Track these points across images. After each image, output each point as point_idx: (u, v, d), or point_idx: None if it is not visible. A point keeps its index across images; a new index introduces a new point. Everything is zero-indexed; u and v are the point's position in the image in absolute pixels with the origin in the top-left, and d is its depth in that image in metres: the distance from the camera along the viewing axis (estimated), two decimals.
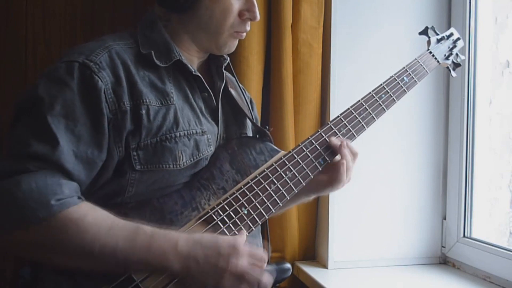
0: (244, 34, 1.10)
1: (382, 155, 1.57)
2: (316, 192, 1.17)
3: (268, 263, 1.07)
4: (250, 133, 1.16)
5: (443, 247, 1.69)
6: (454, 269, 1.62)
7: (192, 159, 0.99)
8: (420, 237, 1.69)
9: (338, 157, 1.11)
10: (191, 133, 0.99)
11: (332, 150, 1.10)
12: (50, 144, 0.86)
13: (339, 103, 1.58)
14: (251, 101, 1.29)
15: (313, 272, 1.57)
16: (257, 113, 1.33)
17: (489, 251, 1.48)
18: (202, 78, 1.06)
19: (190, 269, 0.87)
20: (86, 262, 0.86)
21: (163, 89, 0.99)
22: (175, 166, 0.96)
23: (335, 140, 1.10)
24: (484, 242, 1.54)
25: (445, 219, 1.69)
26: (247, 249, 0.91)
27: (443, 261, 1.69)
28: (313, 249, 1.70)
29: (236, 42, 1.11)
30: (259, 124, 1.28)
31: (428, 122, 1.69)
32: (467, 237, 1.62)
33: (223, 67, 1.13)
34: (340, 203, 1.61)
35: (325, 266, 1.62)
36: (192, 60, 1.09)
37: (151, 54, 1.00)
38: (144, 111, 0.94)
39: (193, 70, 1.05)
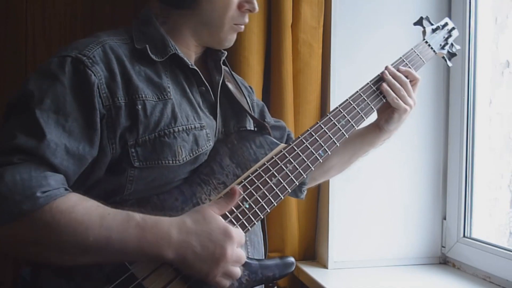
0: (243, 26, 1.09)
1: (382, 155, 1.56)
2: (386, 129, 1.23)
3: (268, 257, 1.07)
4: (250, 126, 1.15)
5: (443, 247, 1.69)
6: (454, 269, 1.62)
7: (191, 155, 0.97)
8: (420, 237, 1.69)
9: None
10: (190, 128, 0.98)
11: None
12: (37, 137, 0.83)
13: (339, 103, 1.58)
14: (250, 88, 1.29)
15: (313, 272, 1.56)
16: (257, 98, 1.32)
17: (489, 251, 1.48)
18: (199, 71, 1.05)
19: (186, 258, 0.86)
20: (81, 256, 0.83)
21: (159, 84, 0.97)
22: (174, 161, 0.95)
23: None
24: (484, 242, 1.53)
25: (445, 219, 1.69)
26: (239, 234, 0.90)
27: (443, 261, 1.69)
28: (313, 249, 1.69)
29: (235, 36, 1.10)
30: (266, 111, 1.29)
31: (428, 122, 1.69)
32: (467, 237, 1.62)
33: (222, 61, 1.12)
34: (340, 203, 1.61)
35: (325, 266, 1.62)
36: (190, 54, 1.08)
37: (146, 48, 0.99)
38: (140, 107, 0.92)
39: (189, 63, 1.03)
